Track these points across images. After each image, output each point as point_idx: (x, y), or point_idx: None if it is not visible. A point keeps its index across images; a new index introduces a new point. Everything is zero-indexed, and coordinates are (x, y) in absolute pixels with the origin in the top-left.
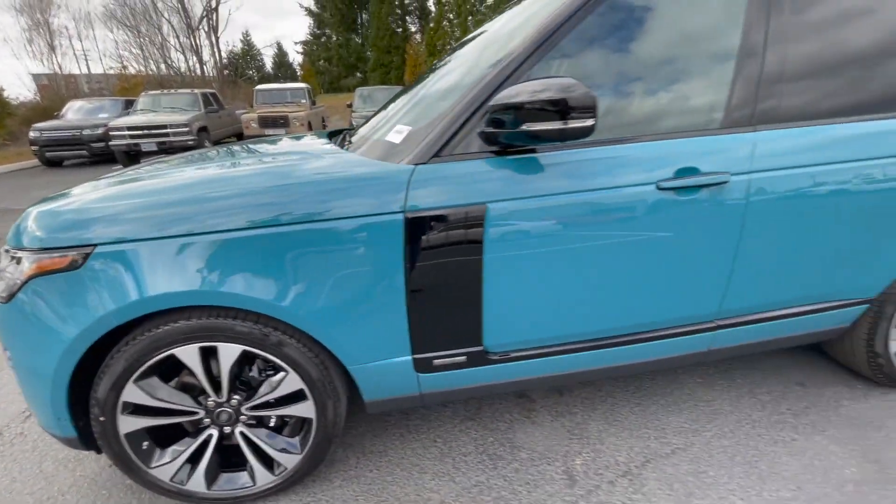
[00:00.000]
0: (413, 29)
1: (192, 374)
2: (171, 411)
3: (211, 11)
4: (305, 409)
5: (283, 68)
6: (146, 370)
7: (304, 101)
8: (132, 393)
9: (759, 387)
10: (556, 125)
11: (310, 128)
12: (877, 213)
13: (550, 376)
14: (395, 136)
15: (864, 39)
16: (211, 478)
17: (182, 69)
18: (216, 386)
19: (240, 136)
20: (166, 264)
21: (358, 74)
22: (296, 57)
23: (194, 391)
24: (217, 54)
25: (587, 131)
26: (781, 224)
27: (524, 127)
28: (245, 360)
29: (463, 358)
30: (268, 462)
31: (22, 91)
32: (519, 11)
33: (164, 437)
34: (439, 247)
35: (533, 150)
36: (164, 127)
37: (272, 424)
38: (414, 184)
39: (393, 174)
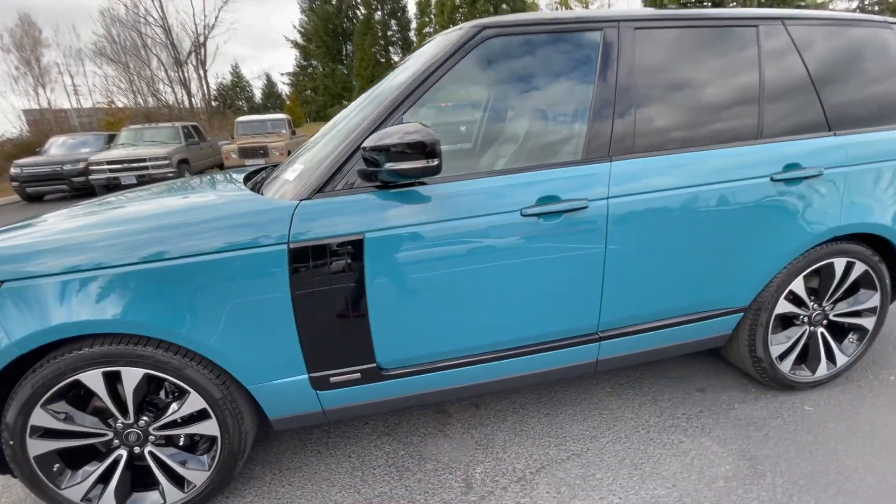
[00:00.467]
0: (396, 59)
1: (99, 397)
2: (79, 433)
3: (199, 46)
4: (209, 427)
5: (271, 98)
6: (53, 395)
7: (283, 131)
8: (40, 417)
9: (663, 394)
10: (407, 164)
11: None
12: (730, 231)
13: (446, 389)
14: (290, 174)
15: (695, 89)
16: (122, 497)
17: (170, 102)
18: (125, 408)
19: (221, 167)
20: (67, 297)
21: (344, 103)
22: (283, 87)
23: (104, 414)
24: (205, 87)
25: (436, 169)
26: (642, 242)
27: (387, 166)
28: (152, 382)
29: (357, 375)
30: (178, 480)
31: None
32: (403, 68)
33: (77, 459)
34: (322, 273)
35: (411, 185)
36: (144, 160)
37: (181, 443)
38: (297, 217)
39: (278, 209)
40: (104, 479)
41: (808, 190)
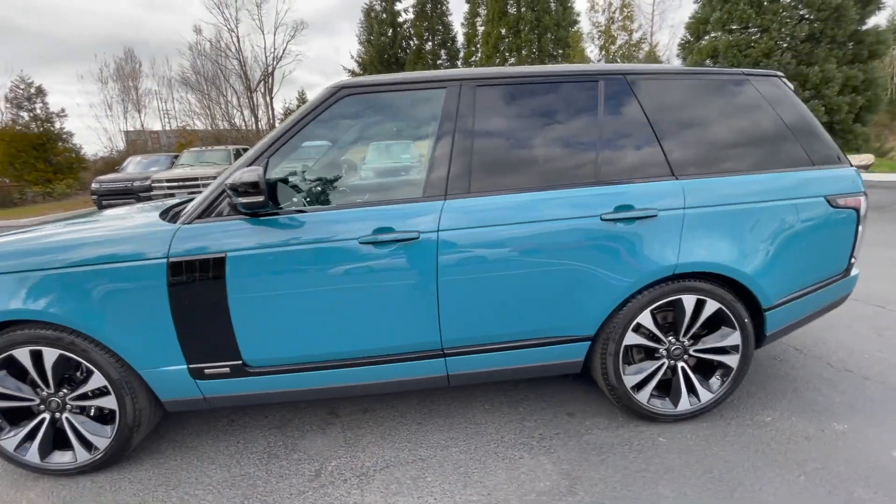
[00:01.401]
0: None
1: (28, 370)
2: (13, 397)
3: (267, 76)
4: (109, 402)
5: None
6: None
7: None
8: None
9: (533, 415)
10: (242, 199)
11: None
12: (563, 264)
13: (307, 389)
14: (191, 203)
15: (533, 137)
16: (44, 452)
17: (240, 125)
18: (47, 381)
19: None
20: (6, 291)
21: None
22: None
23: (34, 384)
24: (270, 111)
25: (262, 204)
26: (473, 271)
27: (235, 199)
28: (70, 361)
29: (227, 369)
30: (87, 444)
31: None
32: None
33: (14, 418)
34: (193, 283)
35: (275, 214)
36: (196, 179)
37: (91, 414)
38: (176, 238)
39: (163, 231)
40: (31, 436)
41: (643, 229)
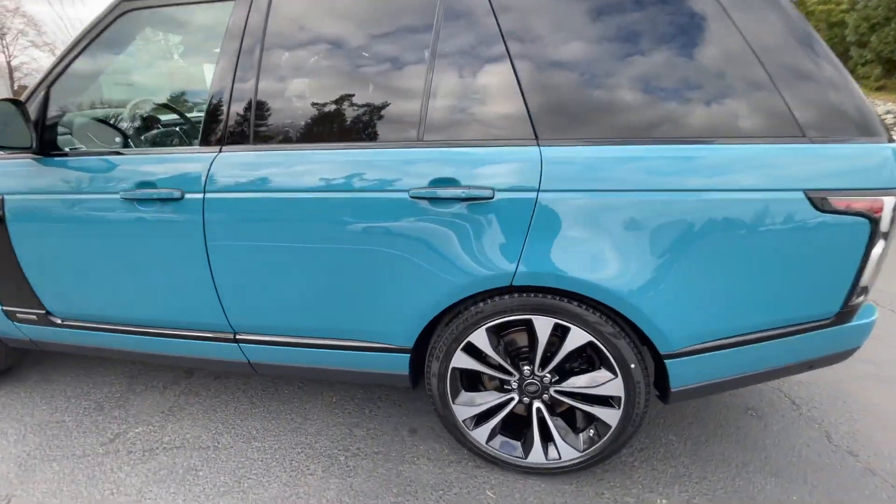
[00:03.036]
0: None
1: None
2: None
3: None
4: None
5: None
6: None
7: None
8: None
9: (371, 422)
10: None
11: None
12: (359, 252)
13: (114, 350)
14: None
15: (344, 70)
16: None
17: None
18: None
19: None
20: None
21: None
22: None
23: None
24: None
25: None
26: (250, 246)
27: None
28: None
29: (34, 316)
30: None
31: None
32: None
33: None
34: None
35: (54, 155)
36: None
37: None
38: None
39: None
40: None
41: (469, 216)
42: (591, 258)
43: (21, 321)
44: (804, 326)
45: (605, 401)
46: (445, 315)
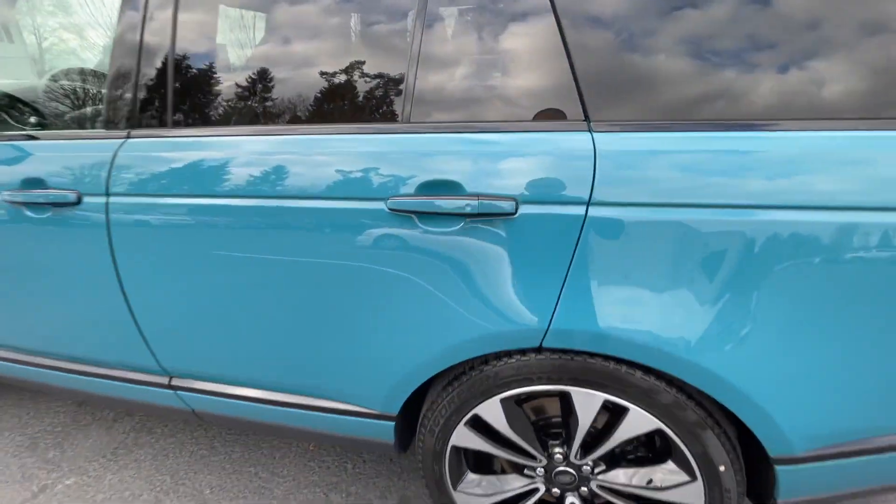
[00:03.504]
0: None
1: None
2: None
3: None
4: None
5: None
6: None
7: None
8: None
9: (365, 497)
10: None
11: None
12: (325, 286)
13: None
14: None
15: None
16: None
17: None
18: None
19: None
20: None
21: None
22: None
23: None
24: None
25: None
26: (171, 268)
27: None
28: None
29: None
30: None
31: None
32: None
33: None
34: None
35: None
36: None
37: None
38: None
39: None
40: None
41: (478, 242)
42: (673, 313)
43: None
44: None
45: None
46: (444, 374)
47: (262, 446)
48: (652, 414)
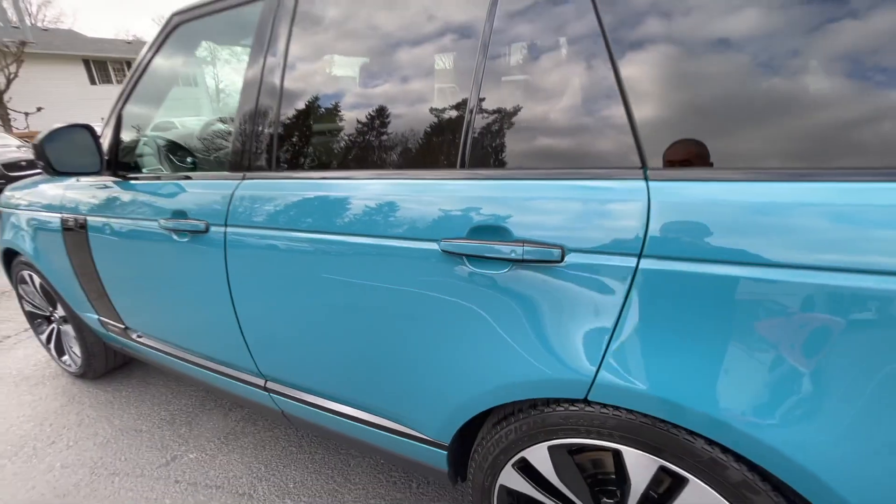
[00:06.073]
0: None
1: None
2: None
3: None
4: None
5: None
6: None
7: None
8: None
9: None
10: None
11: None
12: (392, 317)
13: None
14: None
15: (384, 81)
16: None
17: None
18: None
19: None
20: None
21: None
22: None
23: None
24: None
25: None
26: (265, 289)
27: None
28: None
29: (118, 329)
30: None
31: None
32: None
33: None
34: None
35: (128, 178)
36: None
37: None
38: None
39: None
40: None
41: (524, 288)
42: (740, 382)
43: (111, 332)
44: None
45: None
46: (496, 411)
47: (340, 452)
48: (718, 493)
